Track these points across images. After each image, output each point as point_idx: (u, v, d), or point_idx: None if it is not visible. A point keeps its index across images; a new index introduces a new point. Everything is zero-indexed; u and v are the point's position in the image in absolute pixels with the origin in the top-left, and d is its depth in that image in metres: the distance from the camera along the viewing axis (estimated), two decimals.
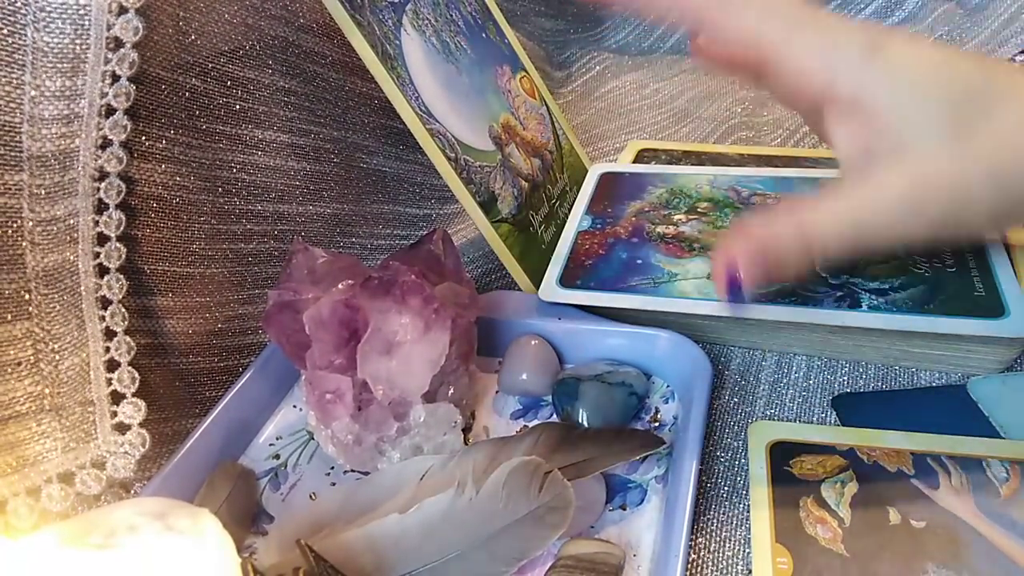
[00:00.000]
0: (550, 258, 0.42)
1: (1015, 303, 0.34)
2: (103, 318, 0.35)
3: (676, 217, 0.43)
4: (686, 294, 0.38)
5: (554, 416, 0.37)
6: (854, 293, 0.36)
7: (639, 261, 0.41)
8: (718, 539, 0.32)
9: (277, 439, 0.38)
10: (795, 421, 0.36)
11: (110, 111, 0.33)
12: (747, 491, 0.33)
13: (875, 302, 0.35)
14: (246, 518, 0.34)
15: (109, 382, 0.35)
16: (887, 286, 0.36)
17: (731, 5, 0.30)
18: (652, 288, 0.39)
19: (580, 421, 0.35)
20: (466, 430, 0.37)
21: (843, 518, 0.30)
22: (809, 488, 0.32)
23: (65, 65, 0.31)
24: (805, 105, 0.32)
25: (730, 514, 0.33)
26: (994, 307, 0.34)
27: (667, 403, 0.37)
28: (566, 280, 0.40)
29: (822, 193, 0.31)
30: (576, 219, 0.45)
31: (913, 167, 0.28)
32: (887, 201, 0.29)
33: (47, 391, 0.32)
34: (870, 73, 0.29)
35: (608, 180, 0.48)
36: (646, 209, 0.45)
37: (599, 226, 0.44)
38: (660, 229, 0.43)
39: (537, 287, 0.41)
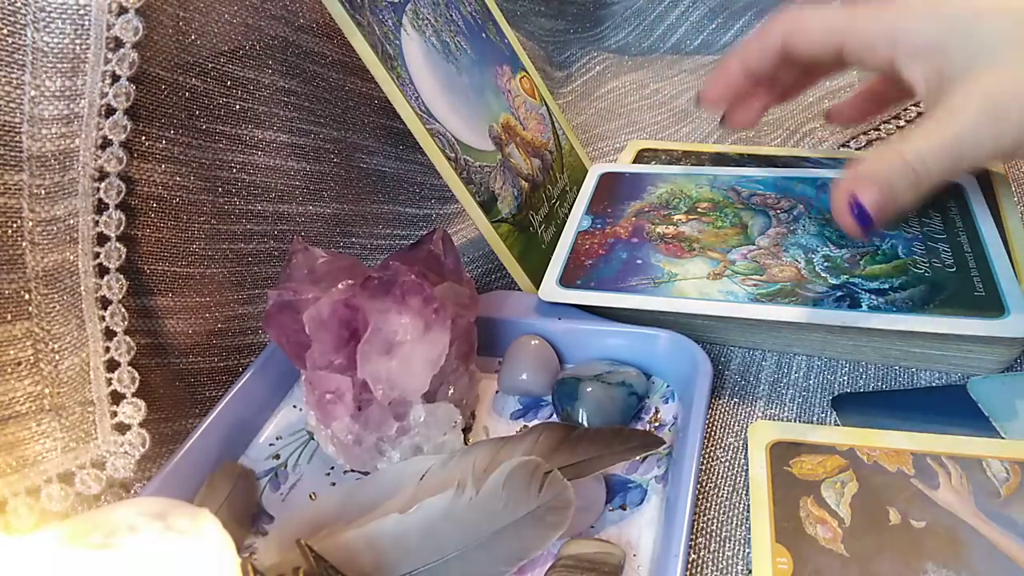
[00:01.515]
0: (550, 258, 0.42)
1: (1015, 303, 0.34)
2: (103, 318, 0.35)
3: (676, 217, 0.43)
4: (686, 294, 0.38)
5: (554, 416, 0.37)
6: (854, 293, 0.36)
7: (639, 261, 0.41)
8: (718, 539, 0.32)
9: (277, 439, 0.38)
10: (795, 421, 0.36)
11: (110, 111, 0.33)
12: (747, 491, 0.33)
13: (875, 302, 0.35)
14: (246, 518, 0.34)
15: (109, 382, 0.35)
16: (887, 286, 0.36)
17: (801, 20, 0.37)
18: (652, 288, 0.39)
19: (580, 421, 0.35)
20: (466, 430, 0.37)
21: (843, 518, 0.30)
22: (809, 488, 0.32)
23: (65, 65, 0.31)
24: (882, 68, 0.35)
25: (730, 514, 0.33)
26: (994, 307, 0.34)
27: (667, 403, 0.37)
28: (566, 280, 0.40)
29: (916, 123, 0.33)
30: (576, 219, 0.45)
31: (987, 78, 0.30)
32: (968, 114, 0.31)
33: (47, 391, 0.32)
34: (929, 19, 0.32)
35: (608, 180, 0.48)
36: (646, 209, 0.45)
37: (599, 226, 0.44)
38: (660, 229, 0.43)
39: (537, 287, 0.41)
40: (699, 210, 0.44)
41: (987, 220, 0.39)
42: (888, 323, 0.34)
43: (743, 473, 0.34)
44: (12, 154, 0.30)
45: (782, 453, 0.33)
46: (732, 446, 0.35)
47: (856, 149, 0.56)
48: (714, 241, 0.41)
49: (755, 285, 0.38)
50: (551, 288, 0.40)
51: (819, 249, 0.39)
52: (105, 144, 0.34)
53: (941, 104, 0.32)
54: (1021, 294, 0.34)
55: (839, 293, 0.36)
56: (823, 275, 0.37)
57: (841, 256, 0.38)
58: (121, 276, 0.36)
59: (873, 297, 0.36)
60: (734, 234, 0.41)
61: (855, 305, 0.35)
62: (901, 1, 0.34)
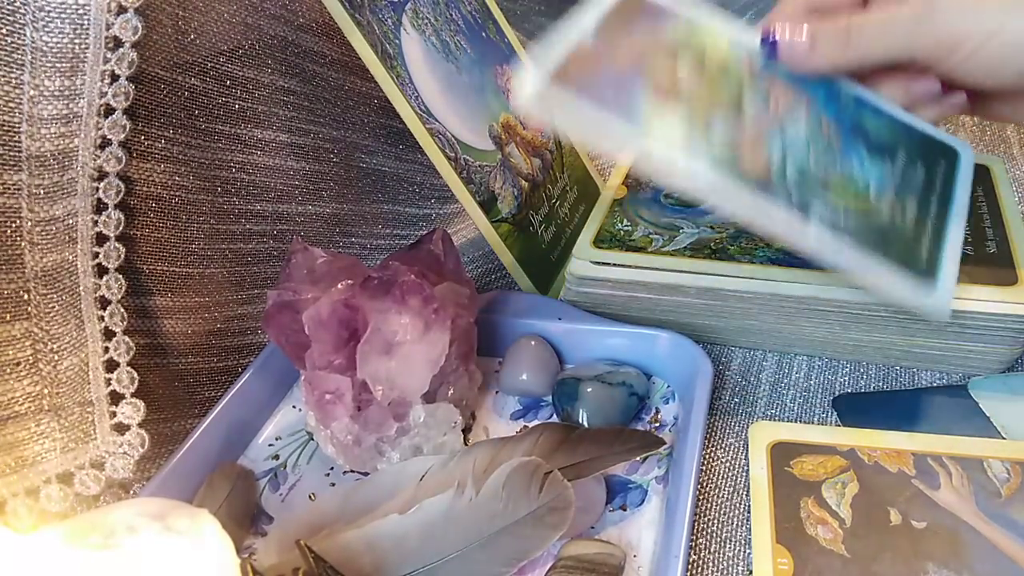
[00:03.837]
0: (550, 258, 0.42)
1: (945, 279, 0.32)
2: (102, 318, 0.35)
3: (679, 73, 0.37)
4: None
5: (554, 416, 0.37)
6: (807, 204, 0.32)
7: (627, 87, 0.34)
8: (718, 540, 0.32)
9: (277, 439, 0.38)
10: (796, 421, 0.36)
11: (109, 111, 0.33)
12: (747, 491, 0.33)
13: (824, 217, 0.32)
14: (246, 519, 0.34)
15: (108, 382, 0.35)
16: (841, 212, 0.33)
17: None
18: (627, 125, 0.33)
19: (580, 421, 0.35)
20: (466, 430, 0.37)
21: (844, 518, 0.30)
22: (810, 488, 0.32)
23: (64, 65, 0.31)
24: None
25: (730, 515, 0.32)
26: (924, 271, 0.32)
27: (667, 403, 0.37)
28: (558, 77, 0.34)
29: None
30: (582, 23, 0.37)
31: None
32: (909, 6, 0.34)
33: (46, 391, 0.32)
34: None
35: (632, 6, 0.39)
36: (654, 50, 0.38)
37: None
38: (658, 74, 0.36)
39: (537, 287, 0.41)
40: (704, 70, 0.38)
41: (965, 195, 0.36)
42: (825, 242, 0.32)
43: (744, 474, 0.34)
44: (11, 154, 0.30)
45: (783, 453, 0.33)
46: (733, 446, 0.35)
47: None
48: (703, 109, 0.35)
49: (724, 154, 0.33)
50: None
51: (797, 155, 0.35)
52: (104, 144, 0.34)
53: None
54: (954, 276, 0.32)
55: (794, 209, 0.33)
56: (788, 188, 0.33)
57: (814, 171, 0.34)
58: (120, 276, 0.35)
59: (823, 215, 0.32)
60: (726, 108, 0.36)
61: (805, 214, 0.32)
62: None
